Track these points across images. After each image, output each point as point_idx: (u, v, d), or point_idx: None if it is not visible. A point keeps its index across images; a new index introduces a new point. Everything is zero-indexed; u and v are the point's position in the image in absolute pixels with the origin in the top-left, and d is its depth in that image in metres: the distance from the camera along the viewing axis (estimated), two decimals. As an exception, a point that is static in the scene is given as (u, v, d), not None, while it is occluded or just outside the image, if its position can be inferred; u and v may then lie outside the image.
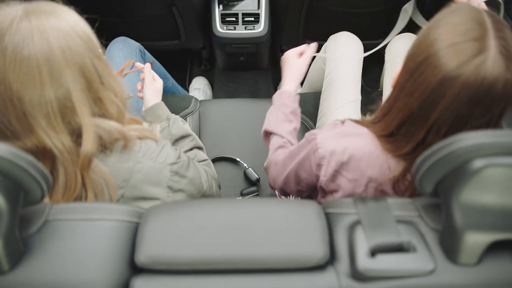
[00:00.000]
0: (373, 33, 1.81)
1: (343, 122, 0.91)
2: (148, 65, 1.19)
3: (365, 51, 1.43)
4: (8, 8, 0.70)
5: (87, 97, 0.74)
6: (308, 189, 1.01)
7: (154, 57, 1.60)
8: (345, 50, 1.40)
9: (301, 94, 1.59)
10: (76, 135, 0.74)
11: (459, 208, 0.56)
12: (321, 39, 1.82)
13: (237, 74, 2.03)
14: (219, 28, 1.63)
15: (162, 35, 1.79)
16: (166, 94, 1.42)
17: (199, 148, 1.15)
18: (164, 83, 1.27)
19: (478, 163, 0.53)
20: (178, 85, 1.71)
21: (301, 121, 1.49)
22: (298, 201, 0.72)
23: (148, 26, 1.71)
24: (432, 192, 0.61)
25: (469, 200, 0.55)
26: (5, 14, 0.69)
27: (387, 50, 1.50)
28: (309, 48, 1.28)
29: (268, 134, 1.17)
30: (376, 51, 1.72)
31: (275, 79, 2.07)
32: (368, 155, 0.83)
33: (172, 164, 0.86)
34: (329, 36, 1.82)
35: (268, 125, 1.16)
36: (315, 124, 1.46)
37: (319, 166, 0.88)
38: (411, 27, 1.51)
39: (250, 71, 2.01)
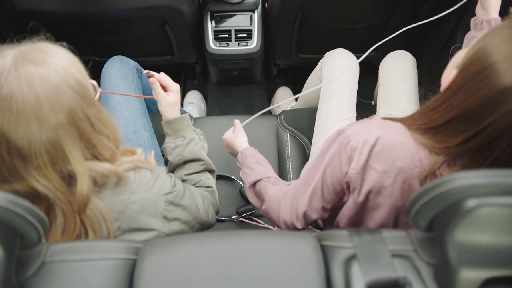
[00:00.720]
0: (366, 46, 1.82)
1: (370, 118, 0.92)
2: (156, 77, 1.14)
3: (359, 64, 1.45)
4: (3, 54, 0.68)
5: (79, 145, 0.73)
6: (334, 201, 0.97)
7: None
8: (340, 67, 1.41)
9: (296, 110, 1.60)
10: (69, 178, 0.74)
11: (453, 246, 0.57)
12: (314, 53, 1.84)
13: (231, 88, 2.04)
14: (212, 45, 1.64)
15: (156, 51, 1.80)
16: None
17: (210, 171, 1.16)
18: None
19: (471, 202, 0.54)
20: None
21: (296, 138, 1.51)
22: (294, 234, 0.72)
23: (141, 43, 1.71)
24: (426, 227, 0.62)
25: (463, 238, 0.56)
26: None
27: (381, 66, 1.51)
28: (237, 124, 1.34)
29: (252, 188, 1.15)
30: (372, 64, 1.74)
31: (269, 92, 2.08)
32: (400, 145, 0.83)
33: (167, 194, 0.86)
34: (321, 50, 1.83)
35: (249, 179, 1.15)
36: (310, 141, 1.46)
37: (350, 159, 0.87)
38: (406, 44, 1.52)
39: (243, 85, 2.02)
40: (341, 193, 0.94)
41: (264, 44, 1.69)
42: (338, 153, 0.89)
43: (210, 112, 1.97)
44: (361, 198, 0.88)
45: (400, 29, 1.68)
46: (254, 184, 1.14)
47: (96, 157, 0.77)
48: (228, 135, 1.32)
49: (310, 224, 1.06)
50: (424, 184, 0.79)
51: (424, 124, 0.83)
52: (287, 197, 1.02)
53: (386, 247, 0.65)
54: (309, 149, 1.46)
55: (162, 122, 1.14)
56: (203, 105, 1.98)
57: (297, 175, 1.43)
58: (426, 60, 1.75)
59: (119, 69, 1.40)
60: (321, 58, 1.91)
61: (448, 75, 0.82)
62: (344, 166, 0.88)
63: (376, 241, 0.66)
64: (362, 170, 0.86)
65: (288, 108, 1.91)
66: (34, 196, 0.72)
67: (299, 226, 1.00)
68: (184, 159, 1.10)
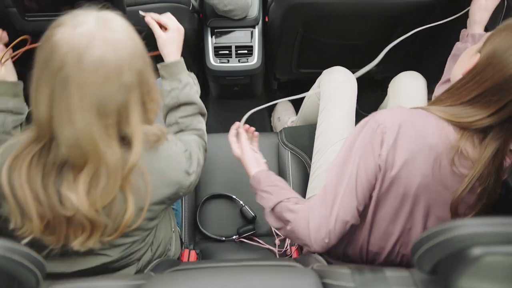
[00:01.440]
0: (366, 61, 1.81)
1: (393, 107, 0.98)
2: (154, 17, 1.14)
3: (358, 78, 1.44)
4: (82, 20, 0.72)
5: (138, 108, 0.77)
6: (366, 199, 0.96)
7: None
8: (338, 85, 1.40)
9: (297, 127, 1.60)
10: (122, 141, 0.78)
11: (458, 292, 0.56)
12: (315, 68, 1.83)
13: (231, 103, 2.03)
14: (212, 61, 1.63)
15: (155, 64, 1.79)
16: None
17: (202, 114, 1.20)
18: None
19: (476, 251, 0.53)
20: None
21: (297, 156, 1.50)
22: (296, 271, 0.72)
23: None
24: (430, 270, 0.61)
25: (467, 286, 0.55)
26: (81, 32, 0.70)
27: (391, 85, 1.49)
28: (241, 136, 1.26)
29: (272, 212, 1.08)
30: (372, 78, 1.72)
31: (269, 107, 2.07)
32: (427, 124, 0.90)
33: (184, 151, 0.95)
34: (322, 65, 1.82)
35: (268, 204, 1.07)
36: (310, 158, 1.46)
37: (382, 142, 0.90)
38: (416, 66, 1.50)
39: (244, 99, 2.01)
40: (374, 187, 0.95)
41: (264, 59, 1.69)
42: (370, 139, 0.92)
43: (210, 127, 1.95)
44: (391, 175, 0.90)
45: (402, 44, 1.68)
46: (273, 208, 1.07)
47: (145, 123, 0.82)
48: (236, 153, 1.25)
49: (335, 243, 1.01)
50: (453, 165, 0.88)
51: (453, 101, 0.90)
52: (314, 209, 0.97)
53: (389, 287, 0.64)
54: (310, 166, 1.45)
55: (158, 65, 1.13)
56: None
57: (298, 193, 1.42)
58: (426, 76, 1.75)
59: None
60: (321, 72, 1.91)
61: (466, 61, 0.93)
62: (376, 149, 0.91)
63: (379, 281, 0.65)
64: (393, 148, 0.89)
65: (288, 122, 1.91)
66: (88, 159, 0.74)
67: (334, 239, 0.96)
68: (179, 102, 1.12)
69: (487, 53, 0.86)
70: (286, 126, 1.91)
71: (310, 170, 1.41)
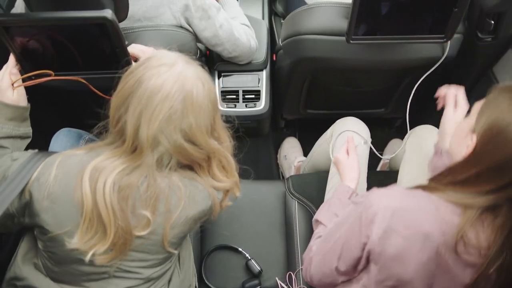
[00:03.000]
0: (373, 104, 1.80)
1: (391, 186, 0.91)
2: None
3: (367, 118, 1.45)
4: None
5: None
6: (347, 267, 0.94)
7: None
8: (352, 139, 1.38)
9: (304, 176, 1.57)
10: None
11: None
12: (323, 109, 1.82)
13: (237, 142, 2.00)
14: (219, 105, 1.61)
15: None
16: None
17: None
18: None
19: None
20: None
21: (304, 206, 1.47)
22: None
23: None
24: None
25: None
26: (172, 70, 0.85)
27: (408, 140, 1.45)
28: (351, 145, 1.34)
29: (317, 223, 1.19)
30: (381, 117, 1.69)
31: (276, 142, 2.05)
32: (424, 209, 0.82)
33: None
34: (331, 107, 1.81)
35: (318, 215, 1.19)
36: (317, 209, 1.43)
37: (371, 223, 0.84)
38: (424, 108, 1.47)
39: (250, 137, 1.99)
40: (358, 261, 0.91)
41: (272, 102, 1.67)
42: (359, 218, 0.87)
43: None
44: (381, 272, 0.84)
45: (411, 91, 1.66)
46: (318, 219, 1.17)
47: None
48: (342, 158, 1.32)
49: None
50: (456, 254, 0.79)
51: (454, 177, 0.84)
52: (314, 249, 1.04)
53: None
54: (318, 218, 1.43)
55: None
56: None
57: (305, 245, 1.40)
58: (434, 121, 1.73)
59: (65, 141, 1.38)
60: (330, 114, 1.89)
61: (461, 141, 0.87)
62: (365, 230, 0.86)
63: None
64: (384, 235, 0.82)
65: (295, 163, 1.88)
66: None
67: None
68: None
69: (485, 130, 0.80)
70: (293, 166, 1.89)
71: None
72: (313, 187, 1.49)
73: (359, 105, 1.77)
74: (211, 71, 1.64)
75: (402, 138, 2.00)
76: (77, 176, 0.85)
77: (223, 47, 1.43)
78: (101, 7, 1.09)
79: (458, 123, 1.08)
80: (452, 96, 1.16)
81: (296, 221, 1.46)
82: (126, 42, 1.09)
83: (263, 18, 1.77)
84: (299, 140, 2.04)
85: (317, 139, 2.11)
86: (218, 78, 1.62)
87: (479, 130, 0.81)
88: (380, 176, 1.62)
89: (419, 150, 1.36)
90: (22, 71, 1.10)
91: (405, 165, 1.41)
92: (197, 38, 1.40)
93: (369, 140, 1.40)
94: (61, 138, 1.38)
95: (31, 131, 1.11)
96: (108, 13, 1.00)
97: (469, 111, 0.92)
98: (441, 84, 1.29)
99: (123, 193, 0.84)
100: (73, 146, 1.38)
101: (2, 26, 1.01)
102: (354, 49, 1.19)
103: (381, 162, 1.93)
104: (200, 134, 0.87)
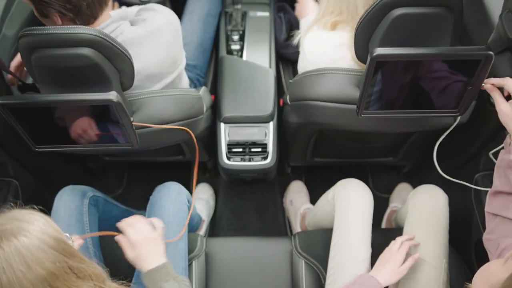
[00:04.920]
0: (382, 154, 1.77)
1: None
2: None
3: (375, 171, 1.40)
4: None
5: None
6: None
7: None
8: (354, 204, 1.35)
9: (310, 234, 1.55)
10: None
11: None
12: (331, 157, 1.79)
13: (243, 187, 1.98)
14: (225, 159, 1.59)
15: (165, 153, 1.76)
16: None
17: None
18: None
19: None
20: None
21: (311, 266, 1.45)
22: None
23: (154, 154, 1.68)
24: None
25: None
26: None
27: (410, 199, 1.42)
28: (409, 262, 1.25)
29: None
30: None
31: (281, 187, 2.03)
32: None
33: None
34: (338, 155, 1.78)
35: None
36: (324, 269, 1.40)
37: None
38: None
39: (256, 184, 1.97)
40: None
41: (279, 153, 1.65)
42: None
43: (220, 215, 1.91)
44: None
45: (418, 147, 1.63)
46: None
47: None
48: (393, 249, 1.25)
49: None
50: None
51: None
52: None
53: None
54: (325, 278, 1.40)
55: (141, 276, 1.11)
56: (212, 202, 1.93)
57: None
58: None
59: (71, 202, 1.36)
60: (337, 162, 1.86)
61: None
62: None
63: None
64: None
65: (301, 209, 1.86)
66: None
67: None
68: None
69: None
70: (299, 213, 1.86)
71: (324, 283, 1.37)
72: (320, 247, 1.46)
73: (367, 155, 1.74)
74: (217, 122, 1.62)
75: (410, 182, 1.99)
76: None
77: None
78: (107, 81, 1.08)
79: None
80: (498, 90, 1.05)
81: (303, 281, 1.43)
82: (132, 119, 1.08)
83: (270, 66, 1.75)
84: (306, 183, 2.01)
85: (324, 183, 2.08)
86: (225, 130, 1.60)
87: None
88: (386, 235, 1.59)
89: (419, 213, 1.34)
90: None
91: (408, 226, 1.38)
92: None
93: (372, 207, 1.37)
94: (65, 198, 1.37)
95: None
96: (113, 95, 0.98)
97: None
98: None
99: None
100: (78, 206, 1.36)
101: (7, 108, 0.99)
102: (364, 118, 1.17)
103: (388, 210, 1.91)
104: None
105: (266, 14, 1.97)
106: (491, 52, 0.98)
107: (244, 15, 1.93)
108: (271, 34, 1.89)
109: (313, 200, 1.92)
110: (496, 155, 1.18)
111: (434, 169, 1.34)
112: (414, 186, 1.96)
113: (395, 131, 1.34)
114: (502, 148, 1.09)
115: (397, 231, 1.46)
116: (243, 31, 1.87)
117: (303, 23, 1.67)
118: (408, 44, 1.07)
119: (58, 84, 1.07)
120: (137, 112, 1.21)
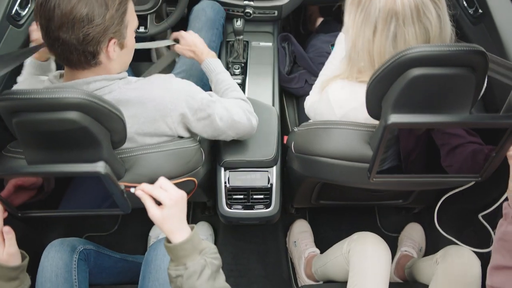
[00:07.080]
0: (391, 197, 1.68)
1: None
2: (146, 190, 0.98)
3: (383, 210, 1.33)
4: None
5: None
6: None
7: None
8: (371, 261, 1.26)
9: (317, 286, 1.45)
10: None
11: None
12: (337, 200, 1.70)
13: (244, 230, 1.89)
14: (225, 207, 1.50)
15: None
16: None
17: None
18: None
19: None
20: None
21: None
22: None
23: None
24: None
25: None
26: None
27: (440, 263, 1.30)
28: None
29: None
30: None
31: (285, 227, 1.93)
32: None
33: None
34: (342, 198, 1.69)
35: None
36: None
37: None
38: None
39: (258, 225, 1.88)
40: None
41: (282, 199, 1.55)
42: None
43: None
44: None
45: (431, 191, 1.54)
46: None
47: None
48: None
49: None
50: None
51: None
52: None
53: None
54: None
55: (164, 246, 1.00)
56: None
57: None
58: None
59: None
60: (343, 205, 1.77)
61: None
62: None
63: None
64: None
65: (306, 253, 1.76)
66: None
67: None
68: None
69: None
70: (303, 257, 1.76)
71: None
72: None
73: (376, 199, 1.65)
74: (216, 167, 1.53)
75: (420, 223, 1.89)
76: None
77: (226, 135, 1.30)
78: (96, 142, 0.99)
79: None
80: None
81: None
82: (123, 187, 0.98)
83: (273, 104, 1.66)
84: (310, 222, 1.92)
85: (329, 222, 1.99)
86: (224, 175, 1.51)
87: None
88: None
89: (452, 282, 1.23)
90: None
91: None
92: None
93: (390, 265, 1.28)
94: (52, 255, 1.27)
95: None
96: (101, 167, 0.89)
97: None
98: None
99: None
100: (66, 264, 1.27)
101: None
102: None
103: (399, 253, 1.80)
104: None
105: (270, 44, 1.89)
106: (520, 121, 0.89)
107: (246, 46, 1.84)
108: (274, 67, 1.80)
109: (318, 241, 1.83)
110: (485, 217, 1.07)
111: (448, 210, 1.25)
112: (425, 227, 1.87)
113: (409, 189, 1.24)
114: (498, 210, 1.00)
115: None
116: (245, 63, 1.78)
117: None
118: (425, 104, 0.98)
119: (43, 148, 0.98)
120: (129, 170, 1.12)
